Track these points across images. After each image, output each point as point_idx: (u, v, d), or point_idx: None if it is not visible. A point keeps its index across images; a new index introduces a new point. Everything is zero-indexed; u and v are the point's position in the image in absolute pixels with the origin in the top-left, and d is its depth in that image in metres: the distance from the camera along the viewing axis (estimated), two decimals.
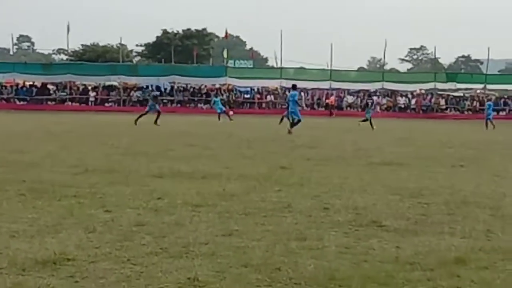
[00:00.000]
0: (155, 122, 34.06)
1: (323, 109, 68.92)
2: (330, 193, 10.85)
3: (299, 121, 31.34)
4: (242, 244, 7.01)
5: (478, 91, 72.94)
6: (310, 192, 10.96)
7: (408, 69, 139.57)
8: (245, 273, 5.94)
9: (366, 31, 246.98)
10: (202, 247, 6.85)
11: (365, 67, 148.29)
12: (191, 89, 69.80)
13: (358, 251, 6.90)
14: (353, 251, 6.90)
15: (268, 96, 70.77)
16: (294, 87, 34.39)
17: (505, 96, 72.77)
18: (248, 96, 69.29)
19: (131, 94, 68.46)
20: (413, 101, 71.47)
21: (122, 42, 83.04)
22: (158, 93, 53.18)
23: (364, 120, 40.50)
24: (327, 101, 68.18)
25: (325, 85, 70.27)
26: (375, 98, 69.86)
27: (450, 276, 6.01)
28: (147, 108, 36.59)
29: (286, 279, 5.79)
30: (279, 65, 74.82)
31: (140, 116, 34.53)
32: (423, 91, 73.01)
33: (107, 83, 70.39)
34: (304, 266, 6.18)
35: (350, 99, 71.43)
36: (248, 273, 5.92)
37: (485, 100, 58.51)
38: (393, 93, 72.10)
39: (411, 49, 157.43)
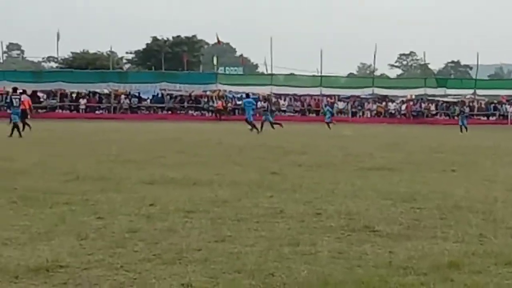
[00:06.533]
0: None
1: (313, 115, 69.01)
2: (322, 199, 10.84)
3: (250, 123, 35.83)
4: (235, 250, 7.00)
5: (467, 96, 73.15)
6: (302, 197, 10.95)
7: (398, 75, 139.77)
8: (239, 279, 5.93)
9: (355, 37, 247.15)
10: (195, 253, 6.83)
11: (355, 73, 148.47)
12: (181, 96, 69.78)
13: (351, 256, 6.89)
14: (346, 256, 6.89)
15: (259, 103, 70.77)
16: (248, 95, 41.88)
17: (495, 101, 72.98)
18: (240, 102, 69.34)
19: (121, 101, 68.42)
20: (403, 107, 71.72)
21: (112, 50, 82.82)
22: None
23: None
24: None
25: (315, 91, 70.50)
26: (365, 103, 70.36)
27: (443, 280, 6.00)
28: None
29: (279, 284, 5.78)
30: (269, 72, 74.92)
31: None
32: (413, 97, 73.19)
33: (97, 91, 70.37)
34: (297, 272, 6.17)
35: (341, 105, 71.57)
36: (242, 279, 5.91)
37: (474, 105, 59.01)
38: (383, 99, 72.27)
39: (400, 54, 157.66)
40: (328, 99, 68.55)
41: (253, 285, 5.74)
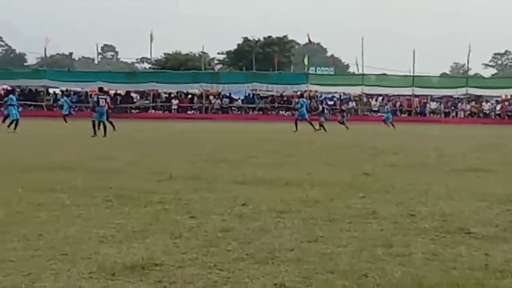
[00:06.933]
0: None
1: (405, 115, 68.36)
2: (415, 200, 10.69)
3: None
4: (327, 250, 6.96)
5: None
6: (394, 198, 10.83)
7: (492, 75, 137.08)
8: (332, 279, 5.89)
9: (448, 36, 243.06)
10: (288, 253, 6.82)
11: (448, 72, 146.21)
12: (272, 96, 69.96)
13: (446, 258, 6.77)
14: (440, 258, 6.77)
15: (350, 103, 70.51)
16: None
17: None
18: (331, 102, 69.16)
19: (212, 101, 69.05)
20: (498, 107, 70.22)
21: (204, 50, 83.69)
22: None
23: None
24: None
25: (407, 91, 69.72)
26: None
27: None
28: None
29: (373, 285, 5.72)
30: (360, 72, 74.42)
31: None
32: (508, 97, 71.56)
33: (189, 91, 71.21)
34: (391, 273, 6.09)
35: (433, 105, 70.64)
36: (335, 280, 5.87)
37: None
38: (477, 99, 70.96)
39: (495, 54, 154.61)
40: (386, 101, 67.90)
41: (346, 286, 5.69)
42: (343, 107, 55.77)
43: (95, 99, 34.02)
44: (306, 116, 41.17)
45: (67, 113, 47.77)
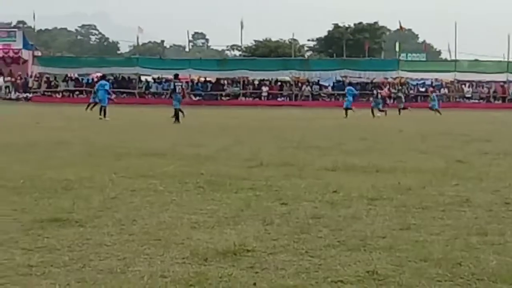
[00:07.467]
0: None
1: (499, 101, 66.91)
2: (510, 188, 10.44)
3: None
4: (420, 238, 6.87)
5: None
6: (489, 186, 10.63)
7: None
8: (425, 267, 5.81)
9: None
10: (380, 240, 6.76)
11: None
12: (362, 83, 69.37)
13: None
14: None
15: (442, 89, 69.47)
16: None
17: None
18: (423, 89, 68.20)
19: (302, 88, 68.98)
20: None
21: (294, 37, 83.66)
22: None
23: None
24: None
25: (501, 77, 68.18)
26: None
27: None
28: None
29: (468, 274, 5.61)
30: (452, 58, 73.14)
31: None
32: None
33: (280, 78, 71.27)
34: (486, 262, 5.97)
35: None
36: (428, 268, 5.79)
37: None
38: None
39: None
40: (431, 88, 66.00)
41: (440, 274, 5.61)
42: (399, 94, 55.04)
43: (172, 86, 34.08)
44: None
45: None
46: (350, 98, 43.26)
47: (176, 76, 35.40)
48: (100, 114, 33.87)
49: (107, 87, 36.49)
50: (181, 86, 33.34)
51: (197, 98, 67.41)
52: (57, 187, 10.04)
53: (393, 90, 62.88)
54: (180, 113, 31.54)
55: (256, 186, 10.34)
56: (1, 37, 70.87)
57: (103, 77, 40.75)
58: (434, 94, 54.58)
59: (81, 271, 5.64)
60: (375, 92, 47.20)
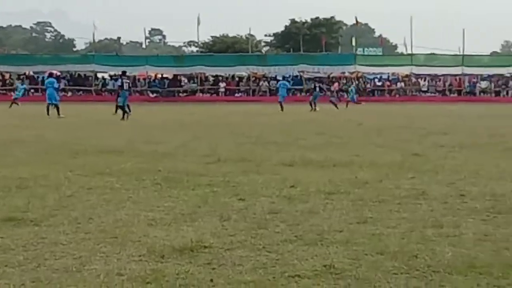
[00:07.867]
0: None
1: (455, 95, 67.58)
2: (465, 180, 10.57)
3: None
4: (377, 232, 6.92)
5: None
6: (444, 179, 10.72)
7: None
8: (381, 260, 5.85)
9: (498, 14, 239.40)
10: (337, 234, 6.79)
11: (499, 51, 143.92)
12: (319, 78, 69.55)
13: (497, 238, 6.68)
14: (492, 238, 6.68)
15: (399, 83, 69.99)
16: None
17: None
18: (380, 83, 68.62)
19: (260, 84, 69.02)
20: None
21: (251, 33, 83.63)
22: None
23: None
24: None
25: (457, 70, 68.80)
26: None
27: None
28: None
29: (423, 266, 5.66)
30: (409, 52, 73.65)
31: None
32: None
33: (237, 74, 71.24)
34: (442, 254, 6.02)
35: (483, 84, 69.66)
36: (384, 261, 5.83)
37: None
38: None
39: None
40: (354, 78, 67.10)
41: (396, 267, 5.64)
42: (332, 88, 55.69)
43: (119, 82, 33.99)
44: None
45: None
46: (283, 92, 44.19)
47: (124, 73, 35.46)
48: (59, 114, 33.40)
49: (55, 85, 35.99)
50: (129, 83, 33.26)
51: (155, 95, 67.22)
52: (11, 186, 9.93)
53: (344, 86, 63.60)
54: (126, 111, 31.40)
55: (214, 182, 10.33)
56: None
57: (50, 74, 40.18)
58: (352, 86, 55.26)
59: (36, 271, 5.60)
60: (317, 86, 47.18)
